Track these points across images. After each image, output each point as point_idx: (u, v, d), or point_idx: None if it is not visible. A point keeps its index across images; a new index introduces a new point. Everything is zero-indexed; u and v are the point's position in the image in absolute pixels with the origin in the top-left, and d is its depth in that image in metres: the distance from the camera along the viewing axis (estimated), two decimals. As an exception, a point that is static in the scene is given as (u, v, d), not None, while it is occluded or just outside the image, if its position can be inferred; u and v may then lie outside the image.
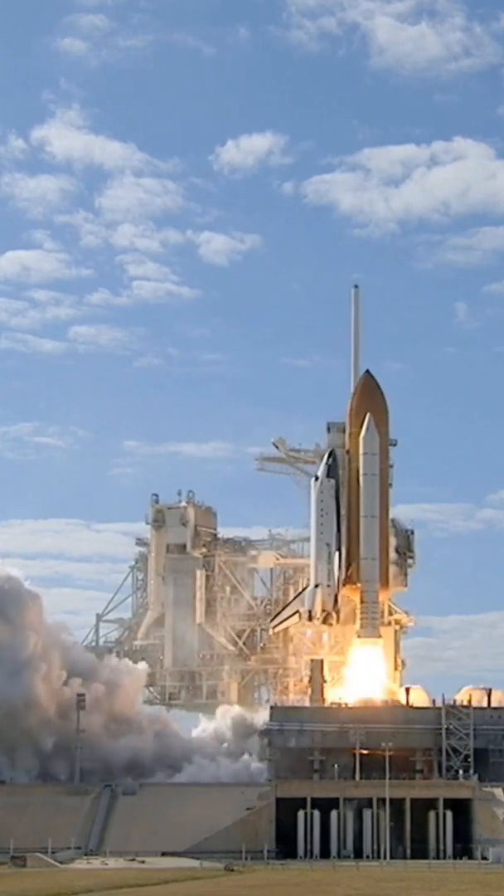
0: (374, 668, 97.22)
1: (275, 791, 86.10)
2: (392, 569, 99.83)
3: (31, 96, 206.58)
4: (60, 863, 75.74)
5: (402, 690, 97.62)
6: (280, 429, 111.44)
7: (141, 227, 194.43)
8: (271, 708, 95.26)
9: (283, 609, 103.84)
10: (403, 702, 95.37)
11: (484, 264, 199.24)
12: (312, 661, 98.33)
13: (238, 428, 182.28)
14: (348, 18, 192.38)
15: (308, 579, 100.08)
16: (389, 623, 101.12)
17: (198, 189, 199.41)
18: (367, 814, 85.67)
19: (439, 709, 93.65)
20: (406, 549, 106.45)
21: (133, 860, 77.01)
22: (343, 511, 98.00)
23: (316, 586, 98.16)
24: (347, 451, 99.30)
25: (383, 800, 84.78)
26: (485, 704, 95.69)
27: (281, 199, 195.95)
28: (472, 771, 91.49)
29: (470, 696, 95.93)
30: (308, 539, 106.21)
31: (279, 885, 61.77)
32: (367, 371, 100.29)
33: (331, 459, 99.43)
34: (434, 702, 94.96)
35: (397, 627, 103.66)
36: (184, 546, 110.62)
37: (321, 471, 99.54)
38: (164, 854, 79.69)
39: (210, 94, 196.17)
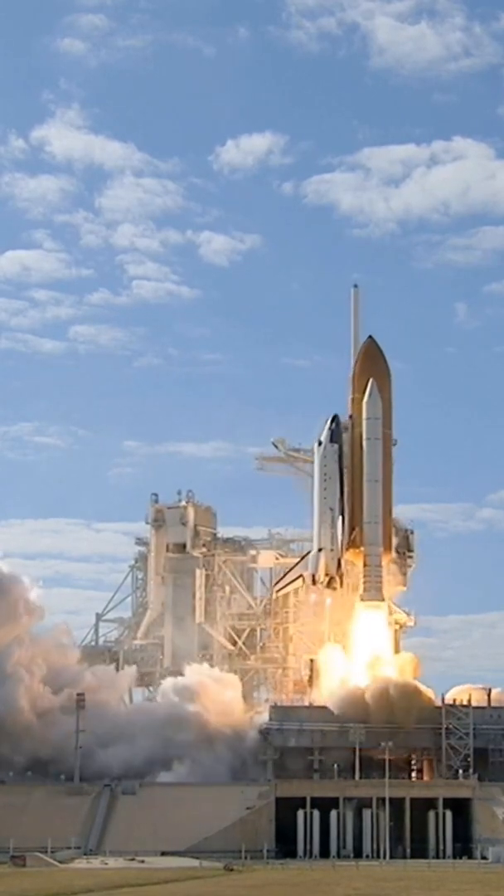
0: (377, 631, 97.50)
1: (274, 790, 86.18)
2: (392, 568, 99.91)
3: (31, 96, 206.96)
4: (60, 862, 75.71)
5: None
6: (280, 429, 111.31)
7: (141, 226, 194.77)
8: (271, 707, 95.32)
9: (287, 573, 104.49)
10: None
11: (484, 264, 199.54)
12: (312, 660, 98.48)
13: (238, 428, 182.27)
14: (348, 18, 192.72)
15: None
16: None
17: (198, 189, 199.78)
18: (366, 813, 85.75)
19: (439, 708, 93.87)
20: (406, 549, 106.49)
21: (133, 860, 77.01)
22: (346, 476, 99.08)
23: (319, 550, 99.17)
24: (350, 417, 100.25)
25: (383, 799, 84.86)
26: (484, 704, 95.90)
27: (281, 199, 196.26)
28: (471, 770, 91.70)
29: (470, 695, 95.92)
30: (308, 539, 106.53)
31: (279, 884, 61.83)
32: (370, 337, 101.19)
33: (334, 424, 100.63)
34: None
35: (397, 627, 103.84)
36: (183, 546, 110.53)
37: (324, 436, 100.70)
38: (163, 854, 79.69)
39: (210, 94, 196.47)
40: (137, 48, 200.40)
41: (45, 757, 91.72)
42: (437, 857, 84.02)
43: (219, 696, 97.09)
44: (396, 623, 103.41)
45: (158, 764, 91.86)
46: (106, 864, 75.72)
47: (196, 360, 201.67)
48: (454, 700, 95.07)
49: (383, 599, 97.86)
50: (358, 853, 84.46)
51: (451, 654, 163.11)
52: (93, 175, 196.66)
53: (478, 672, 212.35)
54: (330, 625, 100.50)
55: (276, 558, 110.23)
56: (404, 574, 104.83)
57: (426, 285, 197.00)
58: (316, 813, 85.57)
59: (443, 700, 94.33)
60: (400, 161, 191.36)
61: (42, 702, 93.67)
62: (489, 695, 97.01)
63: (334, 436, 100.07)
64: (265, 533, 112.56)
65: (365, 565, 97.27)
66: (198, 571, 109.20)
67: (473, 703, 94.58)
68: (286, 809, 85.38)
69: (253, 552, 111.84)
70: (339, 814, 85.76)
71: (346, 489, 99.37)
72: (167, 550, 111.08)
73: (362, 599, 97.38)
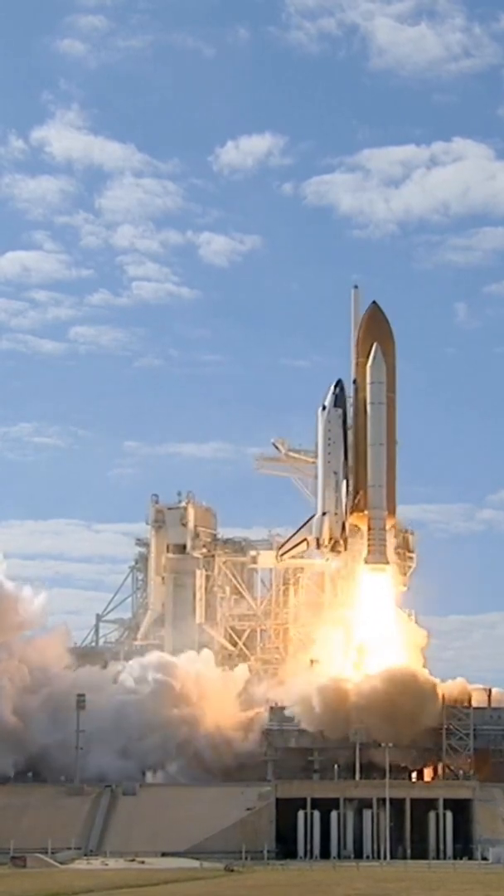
0: (382, 594, 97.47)
1: (275, 791, 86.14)
2: (391, 568, 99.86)
3: (30, 97, 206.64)
4: (60, 863, 75.77)
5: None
6: (280, 429, 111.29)
7: (141, 227, 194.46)
8: (271, 708, 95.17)
9: (291, 538, 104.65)
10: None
11: (484, 265, 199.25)
12: (312, 661, 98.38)
13: (238, 428, 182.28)
14: (348, 19, 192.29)
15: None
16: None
17: (198, 190, 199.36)
18: (367, 814, 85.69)
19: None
20: (406, 550, 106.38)
21: (133, 860, 77.05)
22: (350, 440, 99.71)
23: (324, 514, 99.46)
24: (354, 382, 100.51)
25: (383, 800, 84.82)
26: (485, 704, 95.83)
27: (281, 199, 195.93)
28: (472, 771, 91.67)
29: (470, 696, 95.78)
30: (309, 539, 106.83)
31: (279, 885, 61.77)
32: (374, 302, 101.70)
33: (338, 389, 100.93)
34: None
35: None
36: (184, 546, 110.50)
37: (328, 400, 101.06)
38: (164, 854, 79.73)
39: (209, 95, 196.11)
40: (137, 49, 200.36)
41: (33, 759, 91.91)
42: (438, 857, 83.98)
43: (211, 685, 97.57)
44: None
45: (152, 765, 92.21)
46: (106, 864, 75.76)
47: (196, 360, 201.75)
48: (454, 700, 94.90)
49: (388, 562, 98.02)
50: (358, 854, 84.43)
51: (451, 655, 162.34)
52: (93, 176, 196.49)
53: (478, 672, 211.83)
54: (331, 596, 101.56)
55: (277, 559, 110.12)
56: (404, 574, 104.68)
57: (426, 286, 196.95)
58: (316, 814, 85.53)
59: (443, 700, 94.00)
60: (400, 162, 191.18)
61: (24, 704, 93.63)
62: (489, 695, 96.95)
63: (338, 400, 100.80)
64: (265, 534, 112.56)
65: (369, 528, 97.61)
66: (198, 572, 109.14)
67: (474, 704, 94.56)
68: (287, 810, 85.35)
69: (253, 553, 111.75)
70: (339, 814, 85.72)
71: (350, 453, 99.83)
72: (167, 551, 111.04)
73: (367, 563, 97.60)
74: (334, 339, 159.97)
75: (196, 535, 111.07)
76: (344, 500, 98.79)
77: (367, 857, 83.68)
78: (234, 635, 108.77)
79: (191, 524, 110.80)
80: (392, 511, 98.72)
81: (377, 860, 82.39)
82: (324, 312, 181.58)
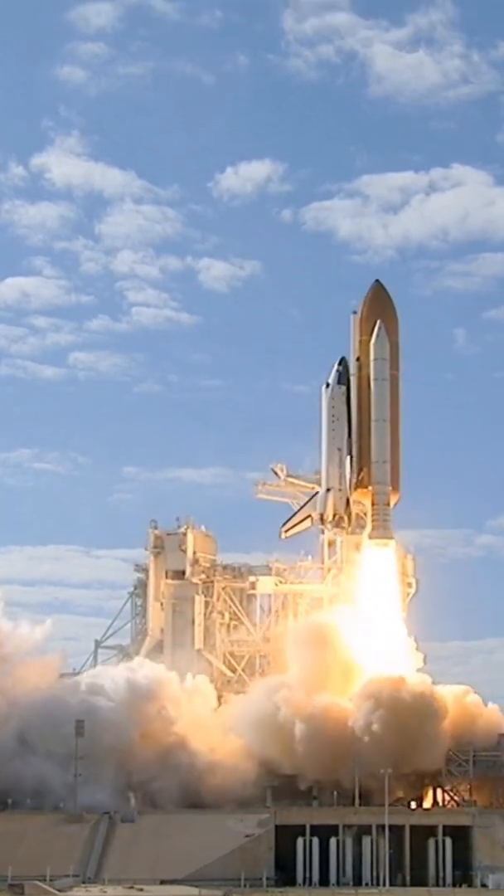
0: (385, 569, 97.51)
1: (274, 818, 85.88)
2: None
3: (30, 124, 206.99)
4: (59, 890, 75.29)
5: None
6: (279, 455, 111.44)
7: (140, 253, 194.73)
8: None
9: (295, 514, 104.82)
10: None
11: (483, 290, 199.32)
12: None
13: (237, 454, 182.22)
14: (346, 47, 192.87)
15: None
16: None
17: (197, 216, 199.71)
18: (366, 841, 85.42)
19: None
20: (405, 575, 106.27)
21: (132, 888, 76.58)
22: (354, 417, 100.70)
23: (328, 490, 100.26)
24: (358, 359, 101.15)
25: (382, 827, 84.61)
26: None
27: (280, 225, 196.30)
28: (471, 797, 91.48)
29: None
30: (308, 567, 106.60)
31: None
32: (377, 280, 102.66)
33: (341, 367, 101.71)
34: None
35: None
36: (183, 572, 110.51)
37: (332, 377, 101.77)
38: (162, 882, 79.19)
39: (209, 122, 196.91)
40: (137, 76, 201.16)
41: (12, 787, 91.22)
42: (437, 884, 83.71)
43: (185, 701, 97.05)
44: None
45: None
46: (105, 892, 75.26)
47: (196, 385, 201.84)
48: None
49: (392, 538, 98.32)
50: (358, 881, 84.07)
51: (450, 681, 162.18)
52: (92, 202, 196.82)
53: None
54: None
55: (276, 585, 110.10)
56: (404, 600, 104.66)
57: (425, 312, 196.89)
58: (315, 840, 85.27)
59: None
60: (398, 188, 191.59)
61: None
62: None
63: (342, 377, 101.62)
64: (265, 559, 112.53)
65: (373, 504, 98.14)
66: (197, 598, 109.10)
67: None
68: (285, 837, 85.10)
69: (252, 579, 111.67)
70: (338, 841, 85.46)
71: (353, 430, 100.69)
72: (166, 577, 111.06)
73: (371, 538, 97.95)
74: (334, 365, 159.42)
75: (195, 561, 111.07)
76: (348, 475, 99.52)
77: (367, 884, 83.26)
78: (232, 661, 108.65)
79: (190, 550, 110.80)
80: (396, 487, 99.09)
81: (376, 887, 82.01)
82: (323, 338, 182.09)
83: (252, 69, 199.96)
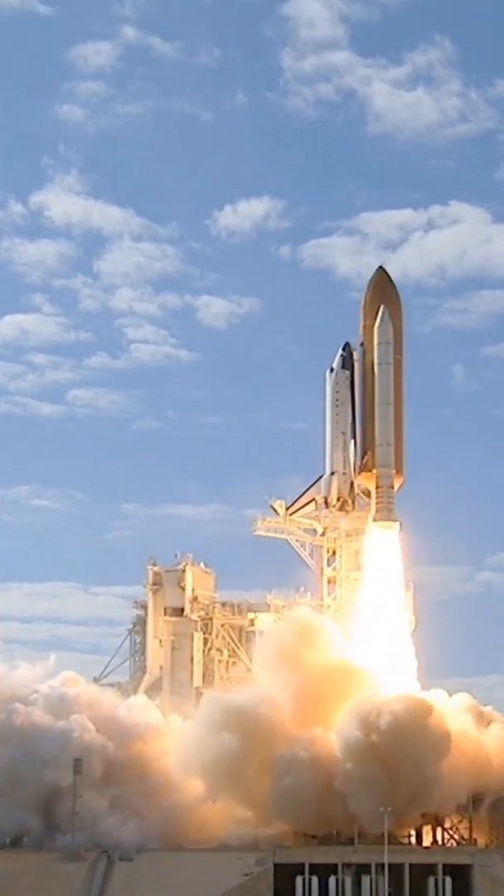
0: (390, 550, 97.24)
1: (273, 856, 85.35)
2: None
3: (30, 162, 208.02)
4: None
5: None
6: (278, 491, 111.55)
7: (139, 290, 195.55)
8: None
9: (300, 497, 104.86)
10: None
11: (481, 327, 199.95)
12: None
13: (236, 490, 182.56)
14: (345, 85, 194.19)
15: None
16: None
17: (196, 253, 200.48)
18: (365, 879, 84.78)
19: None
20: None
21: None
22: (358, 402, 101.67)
23: (332, 474, 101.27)
24: (362, 344, 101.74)
25: (382, 865, 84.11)
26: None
27: (279, 262, 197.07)
28: (471, 836, 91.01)
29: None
30: (307, 602, 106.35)
31: None
32: (381, 267, 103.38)
33: (345, 352, 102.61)
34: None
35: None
36: (181, 609, 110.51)
37: (336, 362, 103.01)
38: (161, 921, 79.03)
39: (208, 160, 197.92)
40: (136, 114, 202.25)
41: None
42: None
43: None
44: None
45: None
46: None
47: (195, 422, 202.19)
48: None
49: (396, 520, 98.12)
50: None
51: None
52: (91, 240, 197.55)
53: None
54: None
55: (275, 622, 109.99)
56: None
57: (424, 348, 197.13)
58: (315, 879, 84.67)
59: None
60: (397, 225, 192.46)
61: None
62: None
63: (345, 362, 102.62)
64: (263, 596, 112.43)
65: (377, 487, 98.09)
66: (196, 635, 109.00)
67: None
68: (285, 875, 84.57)
69: (251, 616, 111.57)
70: (338, 880, 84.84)
71: (357, 415, 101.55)
72: (165, 614, 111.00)
73: (375, 520, 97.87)
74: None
75: (194, 598, 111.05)
76: (352, 458, 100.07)
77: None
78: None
79: (188, 587, 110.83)
80: (399, 470, 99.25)
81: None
82: (322, 375, 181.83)
83: (251, 107, 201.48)
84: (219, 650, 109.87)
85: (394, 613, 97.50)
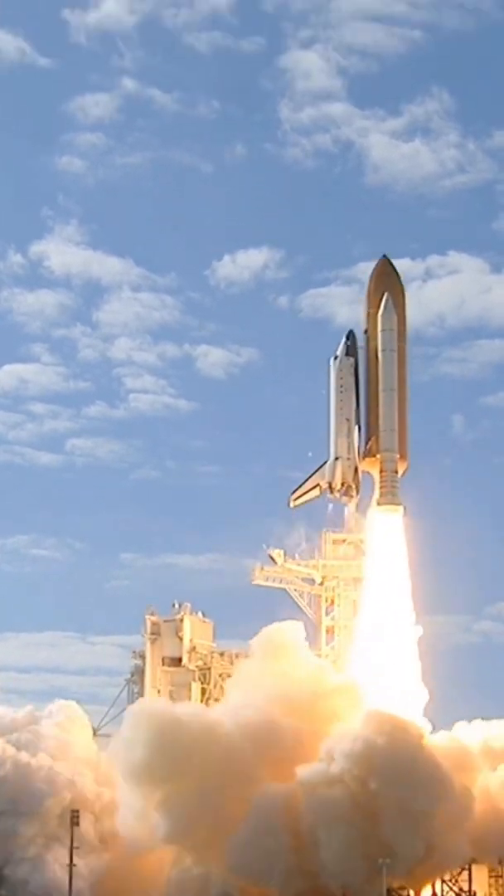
0: (393, 534, 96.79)
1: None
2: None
3: (29, 212, 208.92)
4: None
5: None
6: (276, 541, 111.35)
7: (138, 340, 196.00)
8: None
9: (304, 483, 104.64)
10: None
11: (480, 377, 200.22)
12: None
13: (234, 540, 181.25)
14: (343, 136, 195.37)
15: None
16: None
17: (195, 303, 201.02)
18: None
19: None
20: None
21: None
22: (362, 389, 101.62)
23: (336, 459, 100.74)
24: (366, 332, 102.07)
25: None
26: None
27: (277, 312, 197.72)
28: (471, 890, 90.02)
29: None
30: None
31: None
32: (385, 255, 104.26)
33: (349, 340, 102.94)
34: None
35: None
36: (179, 659, 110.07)
37: (340, 349, 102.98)
38: None
39: (207, 210, 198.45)
40: (135, 165, 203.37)
41: None
42: None
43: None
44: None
45: None
46: None
47: (193, 471, 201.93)
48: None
49: (400, 504, 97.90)
50: None
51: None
52: (91, 290, 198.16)
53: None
54: None
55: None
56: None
57: (423, 398, 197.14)
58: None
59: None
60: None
61: None
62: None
63: (349, 350, 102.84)
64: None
65: (381, 471, 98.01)
66: (193, 685, 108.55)
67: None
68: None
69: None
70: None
71: (361, 401, 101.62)
72: (163, 664, 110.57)
73: (379, 504, 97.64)
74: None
75: (192, 648, 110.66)
76: (356, 444, 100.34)
77: None
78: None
79: (186, 636, 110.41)
80: (403, 455, 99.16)
81: None
82: (321, 424, 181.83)
83: (250, 158, 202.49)
84: (217, 700, 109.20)
85: (399, 610, 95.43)
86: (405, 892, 79.17)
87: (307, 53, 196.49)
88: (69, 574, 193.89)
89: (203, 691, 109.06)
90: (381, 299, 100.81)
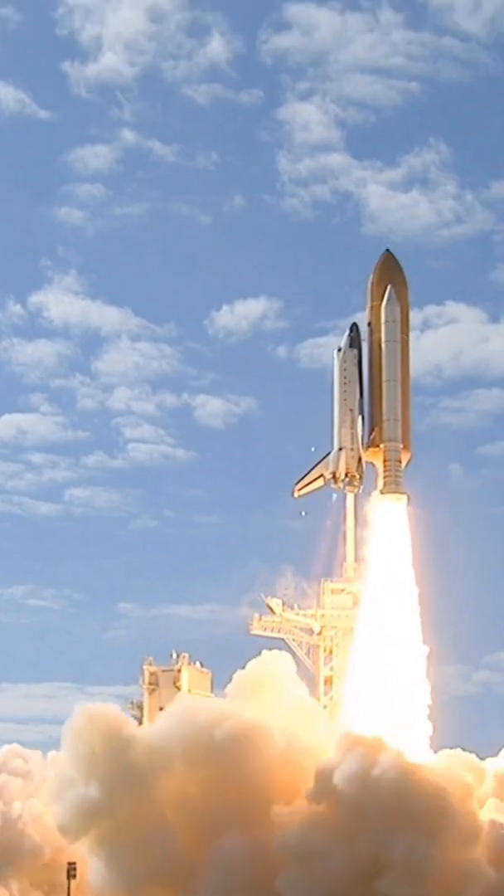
0: (397, 523, 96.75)
1: None
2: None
3: (29, 263, 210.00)
4: None
5: None
6: (275, 591, 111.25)
7: (137, 390, 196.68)
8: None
9: (307, 473, 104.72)
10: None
11: (478, 426, 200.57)
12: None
13: (233, 590, 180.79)
14: (341, 187, 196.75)
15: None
16: None
17: (193, 353, 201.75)
18: None
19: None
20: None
21: None
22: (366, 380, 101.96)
23: (340, 449, 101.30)
24: (369, 324, 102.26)
25: None
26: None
27: (275, 362, 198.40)
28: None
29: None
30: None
31: None
32: (387, 250, 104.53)
33: (353, 332, 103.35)
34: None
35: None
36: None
37: (344, 342, 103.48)
38: None
39: (205, 261, 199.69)
40: (134, 216, 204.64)
41: None
42: None
43: None
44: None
45: None
46: None
47: (191, 521, 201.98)
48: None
49: (404, 493, 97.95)
50: None
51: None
52: (89, 340, 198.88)
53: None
54: None
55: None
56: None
57: (421, 447, 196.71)
58: None
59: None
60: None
61: None
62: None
63: (353, 342, 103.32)
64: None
65: (385, 461, 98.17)
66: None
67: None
68: None
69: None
70: None
71: (365, 393, 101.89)
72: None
73: (382, 493, 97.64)
74: (329, 500, 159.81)
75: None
76: (360, 434, 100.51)
77: None
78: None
79: (184, 686, 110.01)
80: (407, 445, 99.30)
81: None
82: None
83: (248, 209, 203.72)
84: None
85: (402, 605, 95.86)
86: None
87: (305, 105, 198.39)
88: (67, 624, 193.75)
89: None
90: (383, 292, 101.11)
